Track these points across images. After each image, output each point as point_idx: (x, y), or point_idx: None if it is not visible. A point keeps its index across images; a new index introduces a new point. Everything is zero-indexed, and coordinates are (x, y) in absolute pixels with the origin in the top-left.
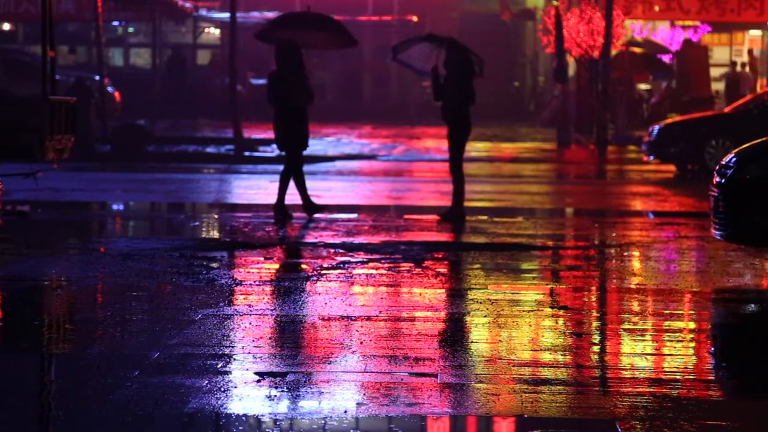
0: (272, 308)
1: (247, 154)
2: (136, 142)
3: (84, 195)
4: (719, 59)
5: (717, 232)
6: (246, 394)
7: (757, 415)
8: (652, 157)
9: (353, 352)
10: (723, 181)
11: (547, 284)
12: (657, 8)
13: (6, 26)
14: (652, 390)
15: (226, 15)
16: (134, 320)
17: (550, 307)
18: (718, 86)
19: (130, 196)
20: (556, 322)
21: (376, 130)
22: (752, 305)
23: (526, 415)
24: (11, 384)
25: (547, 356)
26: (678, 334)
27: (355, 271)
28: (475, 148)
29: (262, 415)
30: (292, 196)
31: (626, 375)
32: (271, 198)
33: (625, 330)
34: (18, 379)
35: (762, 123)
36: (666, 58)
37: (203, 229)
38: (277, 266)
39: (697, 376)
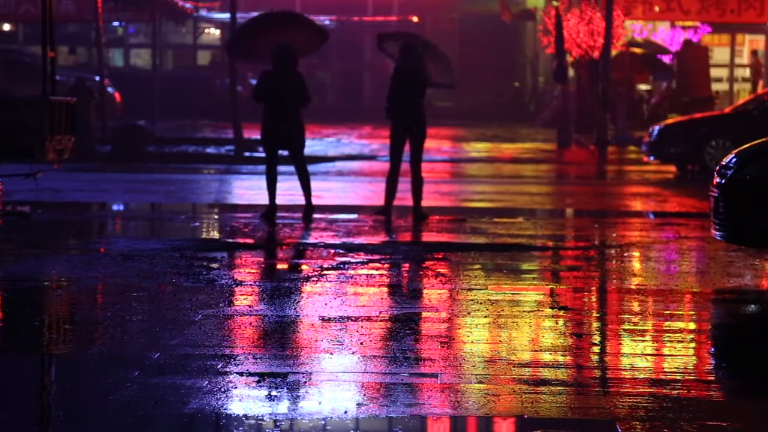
0: (272, 309)
1: (247, 154)
2: (136, 142)
3: (84, 195)
4: (719, 60)
5: (717, 233)
6: (246, 394)
7: (757, 415)
8: (652, 158)
9: (353, 353)
10: (723, 181)
11: (547, 285)
12: (657, 9)
13: (6, 26)
14: (652, 390)
15: (226, 15)
16: (134, 321)
17: (551, 308)
18: (719, 87)
19: (131, 196)
20: (556, 323)
21: (377, 130)
22: (752, 306)
23: (526, 416)
24: (11, 384)
25: (547, 357)
26: (678, 335)
27: (356, 272)
28: (475, 148)
29: (262, 416)
30: (293, 197)
31: (626, 375)
32: None
33: (625, 330)
34: (18, 380)
35: (762, 123)
36: (666, 59)
37: (203, 229)
38: (277, 267)
39: (697, 377)
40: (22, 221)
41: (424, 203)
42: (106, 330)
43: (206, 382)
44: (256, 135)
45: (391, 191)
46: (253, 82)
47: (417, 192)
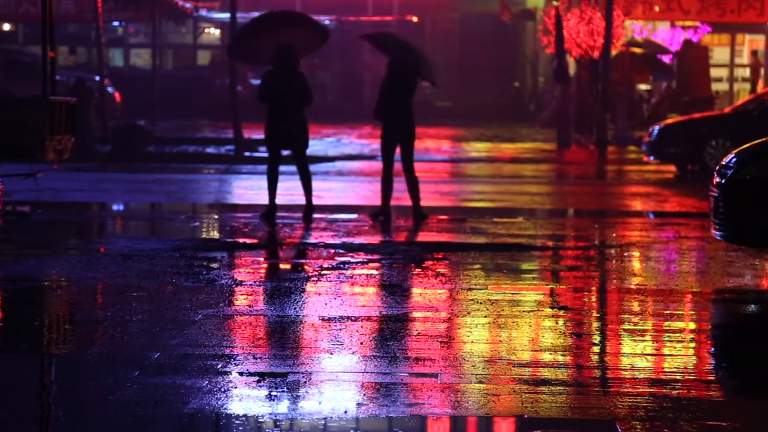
0: (272, 308)
1: (247, 154)
2: (136, 142)
3: (84, 195)
4: (719, 60)
5: (717, 233)
6: (246, 394)
7: (757, 415)
8: (652, 158)
9: (353, 353)
10: (723, 181)
11: (547, 284)
12: (657, 9)
13: (6, 26)
14: (652, 390)
15: (226, 15)
16: (134, 321)
17: (550, 308)
18: (719, 87)
19: (131, 196)
20: (556, 323)
21: (376, 130)
22: (752, 305)
23: (526, 416)
24: (11, 384)
25: (547, 356)
26: (678, 335)
27: (356, 272)
28: (475, 148)
29: (262, 416)
30: (293, 197)
31: (626, 375)
32: None
33: (625, 330)
34: (18, 380)
35: (762, 123)
36: (666, 59)
37: (203, 229)
38: (277, 266)
39: (697, 377)
40: (22, 221)
41: (424, 203)
42: (106, 330)
43: (206, 382)
44: (256, 135)
45: (387, 192)
46: (253, 81)
47: (414, 192)
